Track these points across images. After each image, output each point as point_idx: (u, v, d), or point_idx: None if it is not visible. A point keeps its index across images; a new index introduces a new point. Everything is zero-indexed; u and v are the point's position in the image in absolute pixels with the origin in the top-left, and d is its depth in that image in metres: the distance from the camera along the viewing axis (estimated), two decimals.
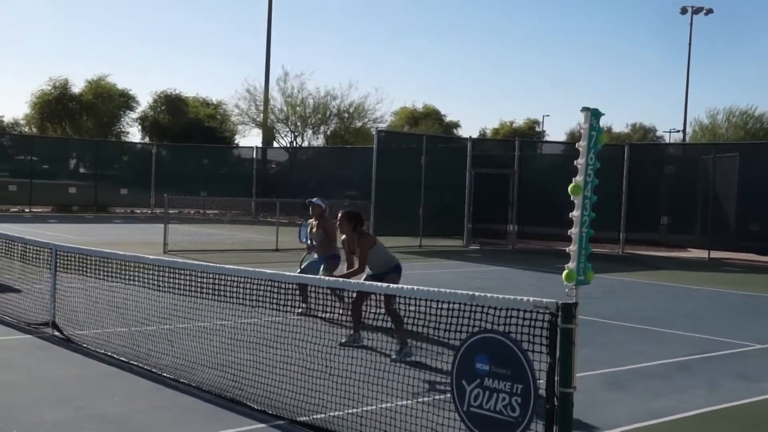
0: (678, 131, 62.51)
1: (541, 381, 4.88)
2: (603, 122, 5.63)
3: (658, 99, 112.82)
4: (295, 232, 25.49)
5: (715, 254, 23.80)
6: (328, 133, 46.34)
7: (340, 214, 9.19)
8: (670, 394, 7.64)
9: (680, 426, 6.67)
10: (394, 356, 7.73)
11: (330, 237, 11.13)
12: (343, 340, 8.24)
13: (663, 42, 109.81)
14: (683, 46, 60.41)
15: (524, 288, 15.40)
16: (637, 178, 25.68)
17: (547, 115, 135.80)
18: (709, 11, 55.62)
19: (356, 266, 9.02)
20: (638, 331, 11.19)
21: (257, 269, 7.04)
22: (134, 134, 49.86)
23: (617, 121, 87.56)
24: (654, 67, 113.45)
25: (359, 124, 46.61)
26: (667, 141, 66.66)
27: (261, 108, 44.70)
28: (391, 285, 6.13)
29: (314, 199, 11.55)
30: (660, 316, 12.66)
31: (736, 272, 20.94)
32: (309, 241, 11.43)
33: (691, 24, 55.80)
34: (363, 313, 8.05)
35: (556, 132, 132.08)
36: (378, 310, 7.26)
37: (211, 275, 7.51)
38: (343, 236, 9.27)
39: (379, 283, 6.45)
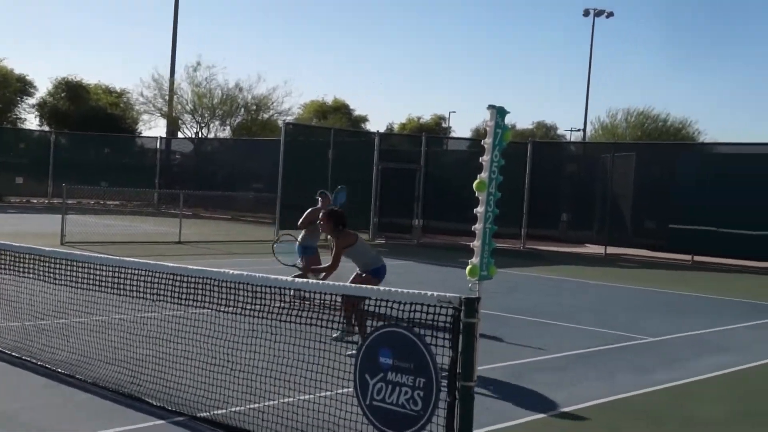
0: (579, 130, 64.21)
1: (443, 374, 4.92)
2: (508, 119, 5.72)
3: (561, 98, 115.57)
4: (199, 224, 25.00)
5: (611, 250, 24.55)
6: (235, 124, 45.75)
7: (322, 214, 9.34)
8: (569, 386, 7.84)
9: (578, 416, 6.84)
10: (335, 335, 7.70)
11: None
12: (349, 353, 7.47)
13: (567, 42, 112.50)
14: (586, 47, 62.09)
15: (429, 282, 15.54)
16: (539, 175, 26.24)
17: (454, 112, 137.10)
18: (610, 14, 57.32)
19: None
20: (538, 325, 11.43)
21: (159, 262, 6.88)
22: (31, 121, 48.14)
23: (521, 118, 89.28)
24: (558, 66, 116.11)
25: (266, 116, 46.16)
26: (569, 139, 68.35)
27: (167, 97, 43.82)
28: (297, 279, 6.09)
29: (326, 192, 13.02)
30: (559, 310, 12.97)
31: (631, 268, 21.64)
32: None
33: (593, 26, 57.44)
34: (353, 310, 7.97)
35: (462, 128, 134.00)
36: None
37: (111, 268, 7.29)
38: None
39: (281, 277, 6.36)
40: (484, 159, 5.49)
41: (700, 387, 8.20)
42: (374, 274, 9.10)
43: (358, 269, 9.22)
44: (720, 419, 7.07)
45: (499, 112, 5.50)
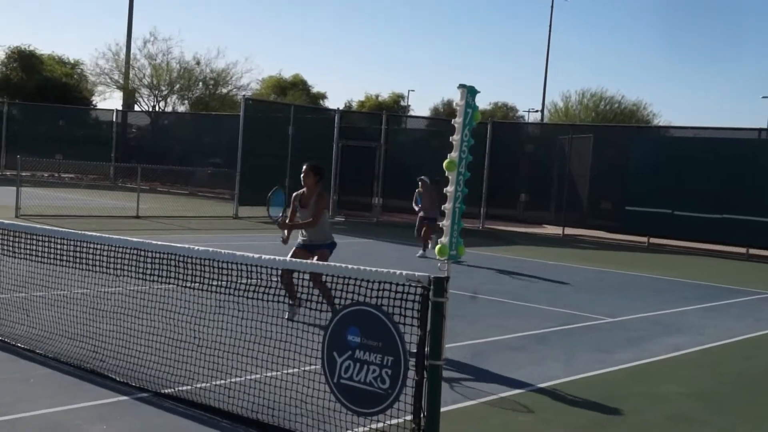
0: (536, 111, 64.57)
1: (411, 353, 4.93)
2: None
3: (520, 79, 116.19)
4: (156, 199, 24.76)
5: (568, 231, 24.83)
6: (193, 99, 45.19)
7: (306, 166, 9.00)
8: (529, 366, 7.93)
9: (538, 396, 6.92)
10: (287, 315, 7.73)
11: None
12: (287, 315, 7.53)
13: (526, 23, 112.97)
14: (545, 28, 62.33)
15: (388, 260, 15.58)
16: (498, 156, 26.38)
17: (413, 90, 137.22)
18: None
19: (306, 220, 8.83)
20: (498, 305, 11.53)
21: (122, 237, 6.79)
22: None
23: (480, 98, 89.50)
24: (517, 46, 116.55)
25: (225, 91, 45.69)
26: (526, 120, 68.73)
27: (123, 69, 43.10)
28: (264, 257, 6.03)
29: (423, 177, 16.71)
30: (518, 290, 13.09)
31: (588, 249, 21.91)
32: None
33: (552, 7, 57.76)
34: (295, 282, 7.71)
35: (420, 107, 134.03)
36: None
37: (72, 242, 7.16)
38: (302, 190, 9.00)
39: (249, 254, 6.32)
40: (455, 138, 5.49)
41: (658, 367, 8.35)
42: (331, 248, 8.98)
43: (300, 241, 8.96)
44: (678, 399, 7.21)
45: (470, 92, 5.49)
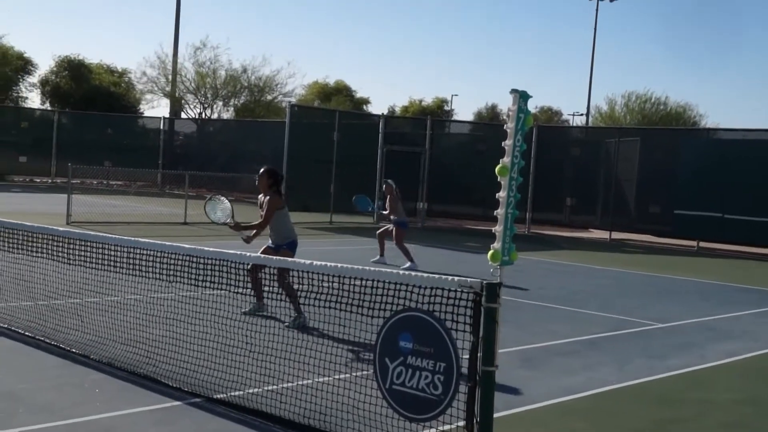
0: (581, 114, 64.07)
1: (463, 359, 4.91)
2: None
3: (564, 82, 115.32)
4: (203, 205, 25.09)
5: (615, 235, 24.55)
6: (239, 105, 45.61)
7: (261, 170, 9.54)
8: (581, 371, 7.84)
9: (592, 402, 6.84)
10: (287, 323, 8.10)
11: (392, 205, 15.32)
12: (246, 309, 8.36)
13: (569, 26, 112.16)
14: (589, 31, 61.80)
15: (436, 265, 15.50)
16: (543, 160, 26.19)
17: (456, 95, 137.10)
18: None
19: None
20: (547, 310, 11.43)
21: (175, 243, 6.86)
22: (33, 99, 47.97)
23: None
24: (561, 49, 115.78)
25: (270, 98, 46.05)
26: (571, 123, 68.21)
27: (170, 77, 43.65)
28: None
29: (389, 180, 15.82)
30: (566, 295, 12.96)
31: (636, 253, 21.63)
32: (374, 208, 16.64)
33: (597, 10, 57.30)
34: (262, 281, 8.13)
35: (464, 112, 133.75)
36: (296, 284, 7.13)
37: (125, 248, 7.26)
38: (261, 194, 9.55)
39: (300, 260, 6.36)
40: (507, 143, 5.46)
41: (713, 373, 8.21)
42: (291, 247, 9.25)
43: (270, 242, 9.39)
44: (733, 406, 7.07)
45: (522, 96, 5.46)
